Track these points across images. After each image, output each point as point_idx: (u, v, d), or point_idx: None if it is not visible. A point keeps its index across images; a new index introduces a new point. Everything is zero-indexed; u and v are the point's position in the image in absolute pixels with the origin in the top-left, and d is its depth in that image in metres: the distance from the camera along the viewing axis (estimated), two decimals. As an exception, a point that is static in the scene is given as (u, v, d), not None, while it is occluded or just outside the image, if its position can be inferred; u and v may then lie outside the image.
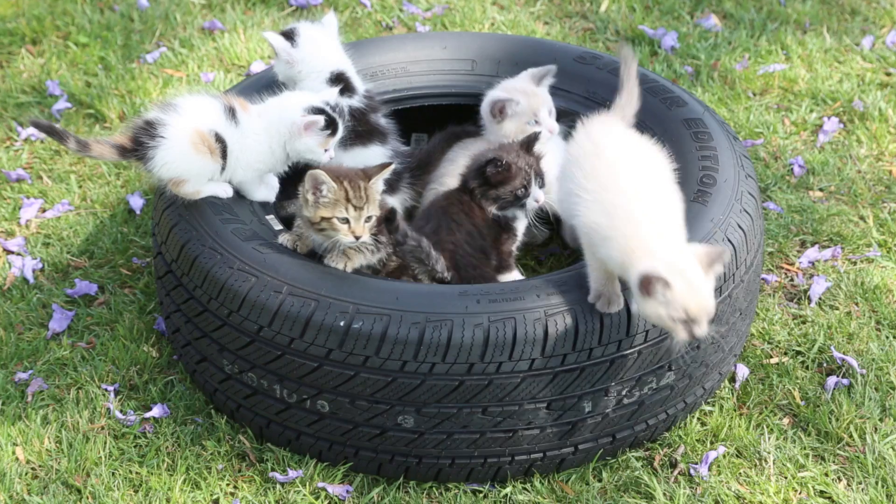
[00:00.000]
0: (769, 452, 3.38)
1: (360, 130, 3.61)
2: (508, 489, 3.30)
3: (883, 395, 3.53)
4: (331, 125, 3.38)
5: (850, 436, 3.43)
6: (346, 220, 3.21)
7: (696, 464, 3.36)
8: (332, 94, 3.49)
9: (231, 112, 3.40)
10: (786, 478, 3.33)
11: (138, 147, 3.35)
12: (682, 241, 3.05)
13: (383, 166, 3.30)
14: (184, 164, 3.36)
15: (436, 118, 3.96)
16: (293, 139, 3.39)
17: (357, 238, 3.22)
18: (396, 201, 3.68)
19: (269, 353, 3.20)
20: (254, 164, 3.44)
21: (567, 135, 3.43)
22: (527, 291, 3.15)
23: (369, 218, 3.23)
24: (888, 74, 4.77)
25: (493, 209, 3.50)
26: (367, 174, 3.27)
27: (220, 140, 3.37)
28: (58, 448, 3.39)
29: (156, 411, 3.48)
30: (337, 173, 3.24)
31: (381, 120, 3.68)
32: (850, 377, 3.58)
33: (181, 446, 3.39)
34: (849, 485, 3.33)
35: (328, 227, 3.22)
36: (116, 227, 4.09)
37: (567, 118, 3.78)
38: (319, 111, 3.39)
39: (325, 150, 3.41)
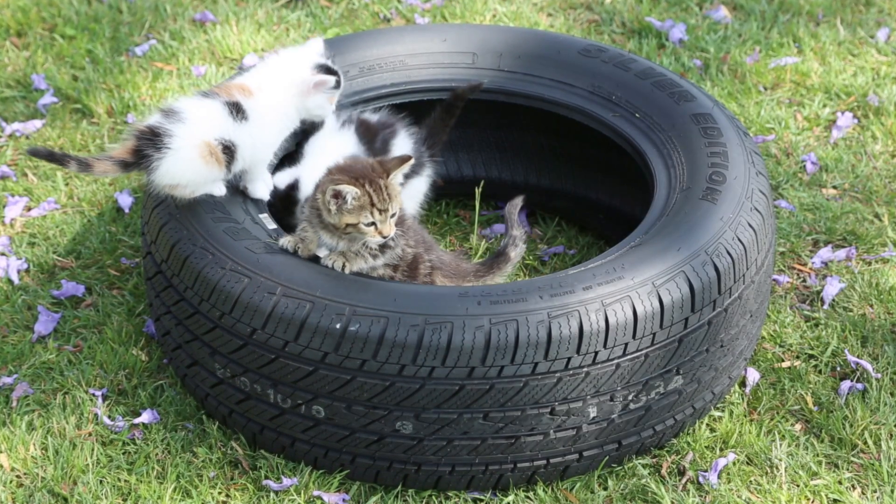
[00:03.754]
0: (781, 459, 3.38)
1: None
2: (510, 498, 3.30)
3: (899, 400, 3.54)
4: (338, 83, 3.52)
5: (865, 442, 3.43)
6: (373, 223, 3.21)
7: (706, 471, 3.36)
8: (321, 48, 3.60)
9: (236, 108, 3.39)
10: (798, 486, 3.33)
11: (142, 159, 3.33)
12: None
13: (402, 160, 3.28)
14: (190, 174, 3.35)
15: (435, 113, 3.97)
16: (303, 97, 3.48)
17: (385, 237, 3.23)
18: (423, 180, 3.71)
19: (262, 356, 3.20)
20: (272, 142, 3.49)
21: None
22: (529, 292, 3.15)
23: (394, 214, 3.24)
24: (904, 68, 4.78)
25: None
26: (385, 168, 3.24)
27: (227, 150, 3.36)
28: (44, 455, 3.39)
29: (145, 417, 3.48)
30: (355, 174, 3.22)
31: (372, 115, 3.78)
32: (864, 382, 3.58)
33: (171, 453, 3.39)
34: (863, 493, 3.33)
35: (354, 231, 3.22)
36: (104, 226, 4.09)
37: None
38: (327, 69, 3.51)
39: (331, 105, 3.56)
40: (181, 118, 3.34)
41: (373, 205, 3.19)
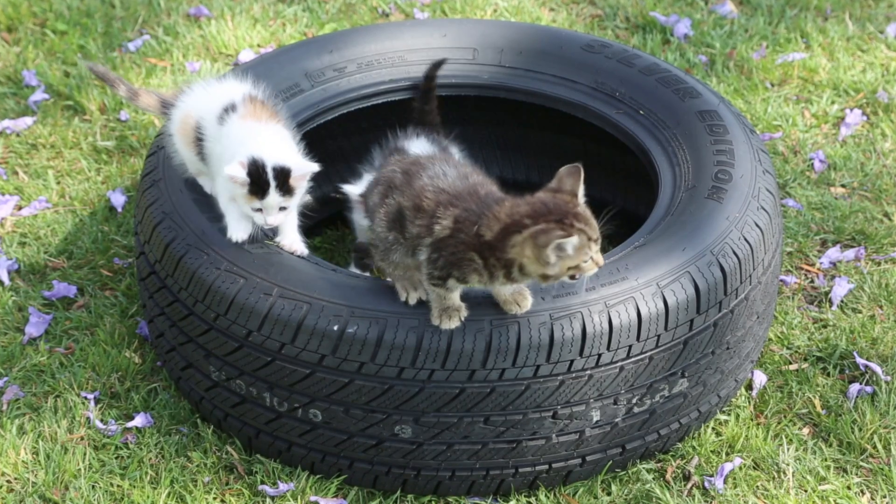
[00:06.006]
0: (788, 464, 3.39)
1: None
2: (512, 503, 3.30)
3: (909, 404, 3.54)
4: (255, 189, 3.17)
5: (874, 447, 3.43)
6: (590, 258, 2.96)
7: (711, 476, 3.36)
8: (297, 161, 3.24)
9: (226, 111, 3.29)
10: (806, 491, 3.34)
11: (166, 111, 3.44)
12: None
13: (575, 174, 2.97)
14: (178, 146, 3.39)
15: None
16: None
17: (601, 266, 2.99)
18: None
19: (258, 359, 3.20)
20: (222, 174, 3.25)
21: None
22: (531, 294, 3.15)
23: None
24: (914, 64, 4.78)
25: None
26: (570, 191, 2.96)
27: (199, 137, 3.34)
28: (35, 460, 3.39)
29: (138, 421, 3.48)
30: (558, 215, 2.92)
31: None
32: (873, 384, 3.58)
33: (165, 458, 3.39)
34: (872, 498, 3.33)
35: (574, 272, 2.95)
36: (97, 225, 4.09)
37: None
38: (252, 169, 3.16)
39: (256, 210, 3.19)
40: (194, 89, 3.38)
41: (589, 239, 2.94)
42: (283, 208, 3.22)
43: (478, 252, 2.98)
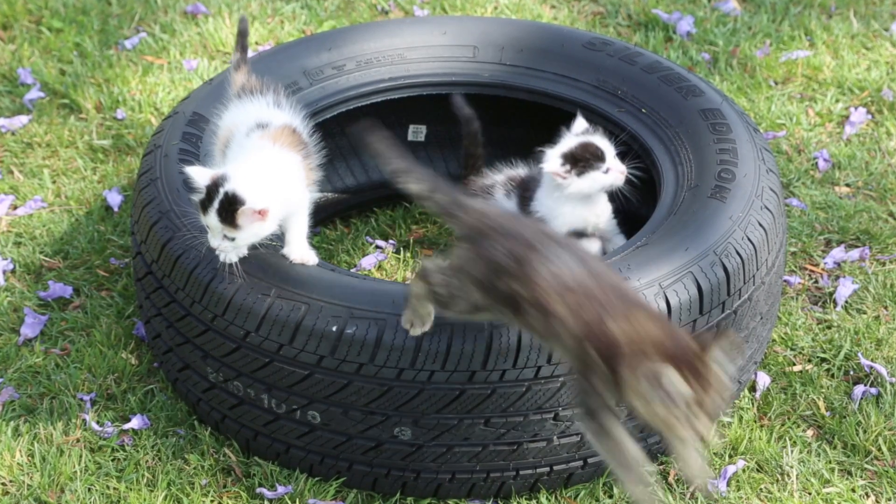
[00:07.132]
0: (792, 467, 3.38)
1: None
2: (513, 506, 3.30)
3: (914, 406, 3.54)
4: (202, 202, 3.05)
5: (879, 449, 3.43)
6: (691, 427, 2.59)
7: (714, 479, 3.36)
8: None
9: (256, 127, 3.22)
10: (810, 494, 3.34)
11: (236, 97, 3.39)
12: None
13: (734, 346, 2.58)
14: (217, 139, 3.39)
15: (435, 108, 3.96)
16: None
17: (704, 440, 2.58)
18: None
19: (256, 360, 3.20)
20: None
21: None
22: (532, 294, 3.15)
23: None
24: (919, 62, 4.78)
25: None
26: (704, 345, 2.53)
27: (226, 143, 3.30)
28: (30, 462, 3.39)
29: (135, 422, 3.48)
30: (668, 350, 2.51)
31: None
32: (878, 386, 3.58)
33: (162, 460, 3.39)
34: (877, 501, 3.33)
35: (658, 423, 2.57)
36: (93, 225, 4.09)
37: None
38: (212, 183, 3.04)
39: (213, 237, 3.07)
40: (252, 94, 3.32)
41: (700, 405, 2.52)
42: (229, 238, 3.06)
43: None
